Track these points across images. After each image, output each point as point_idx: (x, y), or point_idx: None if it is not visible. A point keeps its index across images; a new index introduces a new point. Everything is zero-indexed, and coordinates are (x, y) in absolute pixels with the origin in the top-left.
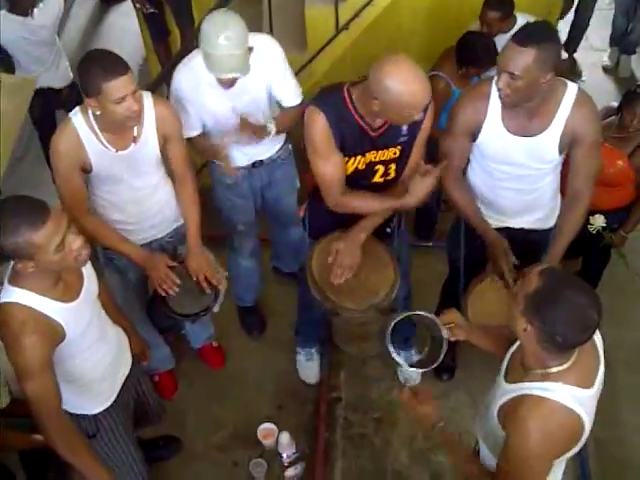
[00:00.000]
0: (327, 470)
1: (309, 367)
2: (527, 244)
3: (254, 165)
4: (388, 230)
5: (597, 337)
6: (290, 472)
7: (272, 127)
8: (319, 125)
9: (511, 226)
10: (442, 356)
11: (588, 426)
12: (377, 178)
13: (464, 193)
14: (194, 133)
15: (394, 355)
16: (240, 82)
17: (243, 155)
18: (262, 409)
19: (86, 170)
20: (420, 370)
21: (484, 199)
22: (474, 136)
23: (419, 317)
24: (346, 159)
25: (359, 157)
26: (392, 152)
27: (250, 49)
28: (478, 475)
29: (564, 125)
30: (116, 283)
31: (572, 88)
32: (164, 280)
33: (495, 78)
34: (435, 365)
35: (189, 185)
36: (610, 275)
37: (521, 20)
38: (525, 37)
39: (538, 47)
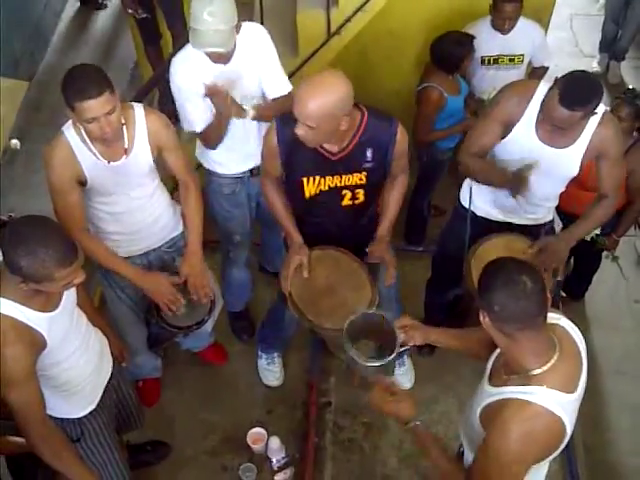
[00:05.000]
0: (316, 475)
1: (270, 370)
2: (525, 235)
3: (252, 174)
4: (367, 249)
5: (581, 344)
6: (280, 477)
7: (250, 110)
8: (268, 139)
9: (514, 222)
10: (394, 353)
11: (569, 430)
12: (346, 201)
13: (480, 160)
14: (201, 127)
15: (349, 351)
16: (234, 67)
17: (242, 162)
18: (252, 413)
19: (81, 183)
20: (376, 364)
21: (491, 198)
22: (506, 130)
23: (382, 321)
24: (304, 179)
25: (318, 178)
26: (357, 178)
27: (238, 27)
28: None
29: (588, 142)
30: (112, 297)
31: (600, 109)
32: (171, 301)
33: (543, 85)
34: (387, 360)
35: (193, 191)
36: (599, 281)
37: (520, 21)
38: (572, 102)
39: (584, 109)
